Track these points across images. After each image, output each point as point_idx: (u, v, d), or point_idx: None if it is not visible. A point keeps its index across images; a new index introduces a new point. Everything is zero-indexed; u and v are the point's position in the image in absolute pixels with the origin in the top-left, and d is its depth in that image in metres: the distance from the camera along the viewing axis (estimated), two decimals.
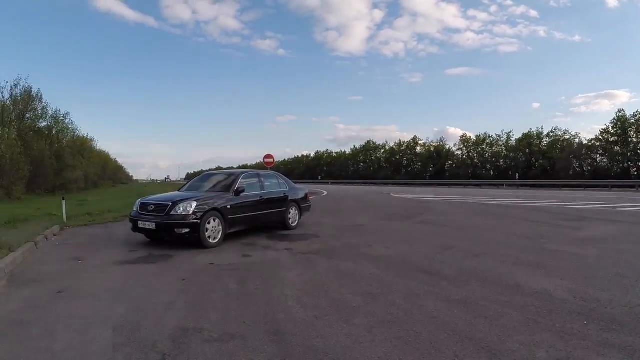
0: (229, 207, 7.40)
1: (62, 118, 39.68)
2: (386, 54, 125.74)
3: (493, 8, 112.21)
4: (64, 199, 11.38)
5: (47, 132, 37.18)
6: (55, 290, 4.60)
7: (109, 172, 66.68)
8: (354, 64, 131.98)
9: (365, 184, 53.06)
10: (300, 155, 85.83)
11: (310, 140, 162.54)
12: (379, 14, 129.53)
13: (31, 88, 32.64)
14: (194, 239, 6.90)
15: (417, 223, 10.12)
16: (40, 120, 35.68)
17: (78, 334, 3.33)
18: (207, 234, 6.95)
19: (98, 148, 58.43)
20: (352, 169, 68.31)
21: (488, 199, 19.15)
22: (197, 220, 6.79)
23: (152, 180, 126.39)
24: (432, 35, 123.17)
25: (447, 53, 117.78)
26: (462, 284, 4.40)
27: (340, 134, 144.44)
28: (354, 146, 69.75)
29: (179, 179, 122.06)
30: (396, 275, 4.83)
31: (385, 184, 50.38)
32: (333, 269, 5.24)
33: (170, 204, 7.00)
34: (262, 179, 8.75)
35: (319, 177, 66.72)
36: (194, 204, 6.91)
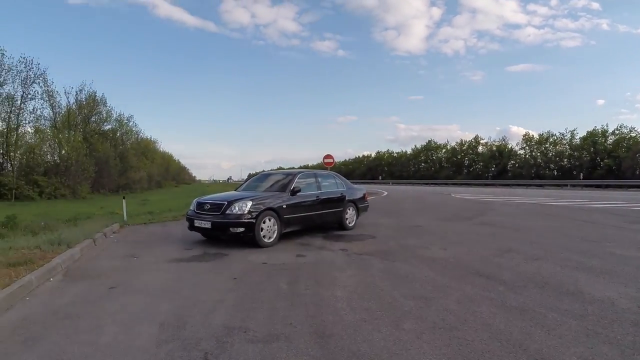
0: (284, 206, 7.77)
1: (126, 121, 44.63)
2: (446, 52, 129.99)
3: (553, 2, 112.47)
4: (124, 198, 12.32)
5: (111, 135, 41.31)
6: (108, 286, 4.98)
7: (172, 173, 72.00)
8: (413, 63, 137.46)
9: (427, 184, 55.10)
10: (361, 156, 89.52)
11: (371, 141, 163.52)
12: (437, 12, 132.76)
13: (95, 93, 36.71)
14: (248, 238, 7.29)
15: (476, 224, 10.29)
16: (105, 123, 40.15)
17: (124, 329, 3.55)
18: (262, 233, 7.32)
19: (161, 149, 63.87)
20: (413, 169, 70.81)
21: (550, 199, 19.50)
22: (252, 220, 7.19)
23: (215, 181, 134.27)
24: (492, 31, 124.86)
25: (507, 49, 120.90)
26: (520, 289, 4.42)
27: (401, 134, 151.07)
28: (415, 146, 72.52)
29: (241, 179, 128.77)
30: (451, 278, 4.93)
31: (446, 184, 52.19)
32: (387, 271, 5.38)
33: (226, 203, 7.42)
34: (319, 179, 9.15)
35: (380, 178, 69.60)
36: (249, 204, 7.31)
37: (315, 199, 8.63)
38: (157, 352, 3.07)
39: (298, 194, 8.18)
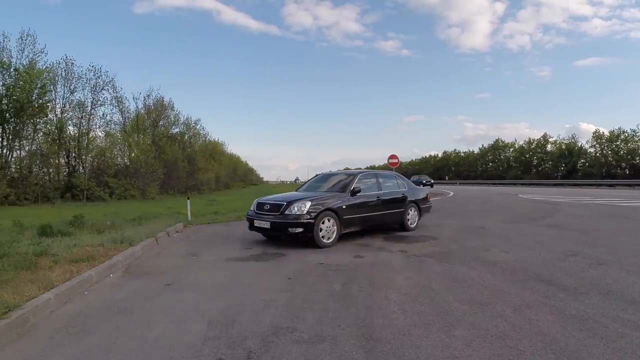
0: (344, 207, 8.08)
1: (193, 124, 48.08)
2: (511, 47, 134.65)
3: None
4: (188, 199, 13.07)
5: (179, 138, 44.28)
6: (165, 283, 5.33)
7: (240, 174, 75.59)
8: (479, 60, 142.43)
9: (494, 184, 56.59)
10: (427, 156, 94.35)
11: (438, 140, 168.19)
12: (500, 7, 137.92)
13: (163, 98, 40.17)
14: (307, 239, 7.65)
15: (542, 226, 10.31)
16: (173, 127, 43.39)
17: (174, 325, 3.78)
18: (321, 233, 7.66)
19: (229, 151, 67.44)
20: (480, 168, 72.62)
21: (622, 200, 19.53)
22: (310, 220, 7.52)
23: (282, 182, 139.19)
24: (558, 25, 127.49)
25: (575, 43, 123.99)
26: (581, 296, 4.39)
27: (468, 133, 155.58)
28: (482, 145, 76.58)
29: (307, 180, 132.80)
30: (510, 283, 4.97)
31: (514, 184, 53.47)
32: (445, 274, 5.48)
33: (285, 203, 7.82)
34: (380, 180, 9.49)
35: (446, 178, 72.06)
36: (308, 204, 7.65)
37: (376, 199, 8.91)
38: (203, 348, 3.23)
39: (358, 194, 8.47)
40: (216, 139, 58.74)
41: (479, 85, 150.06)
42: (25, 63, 24.29)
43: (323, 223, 7.66)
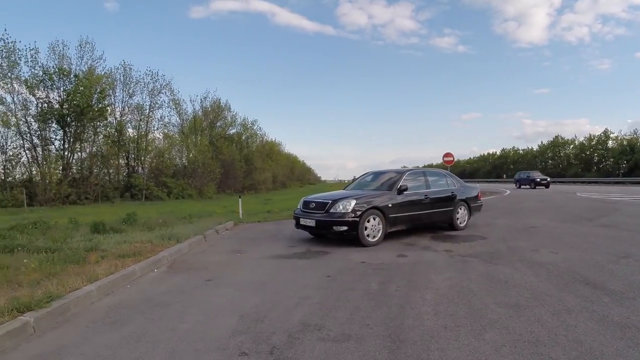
0: (390, 205, 8.22)
1: (250, 125, 49.73)
2: (570, 40, 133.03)
3: None
4: (240, 198, 13.51)
5: (236, 138, 45.82)
6: (205, 278, 5.56)
7: (297, 174, 76.92)
8: (537, 54, 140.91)
9: (553, 182, 55.36)
10: (485, 154, 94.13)
11: (496, 138, 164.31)
12: None
13: (219, 99, 41.83)
14: (352, 237, 7.81)
15: (597, 226, 10.06)
16: (230, 128, 45.04)
17: (205, 318, 3.95)
18: (366, 232, 7.78)
19: (285, 151, 68.91)
20: (539, 166, 71.41)
21: None
22: (355, 219, 7.66)
23: (340, 181, 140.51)
24: (618, 15, 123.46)
25: (636, 34, 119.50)
26: (627, 302, 4.18)
27: (527, 130, 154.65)
28: (542, 142, 75.27)
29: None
30: (554, 285, 4.84)
31: (574, 182, 53.41)
32: (487, 275, 5.42)
33: (330, 202, 8.00)
34: (428, 178, 9.61)
35: (504, 176, 72.85)
36: (353, 202, 7.79)
37: (423, 197, 8.98)
38: (228, 342, 3.34)
39: (405, 192, 8.58)
40: (273, 139, 60.39)
41: (538, 81, 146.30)
42: (84, 69, 26.25)
43: (368, 222, 7.78)
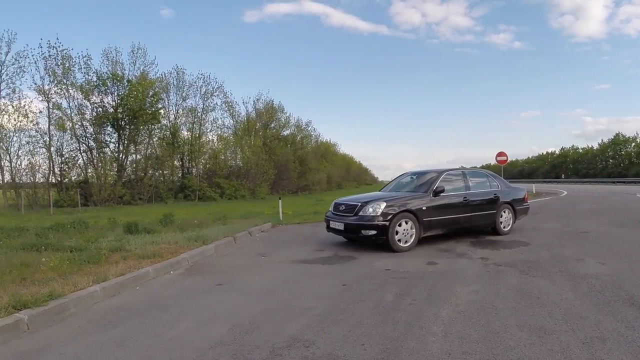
0: (424, 208, 7.85)
1: (304, 126, 49.89)
2: (629, 33, 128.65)
3: None
4: (280, 199, 13.50)
5: (291, 139, 46.27)
6: (216, 283, 5.48)
7: (353, 174, 76.69)
8: (595, 48, 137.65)
9: (613, 182, 54.46)
10: (544, 153, 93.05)
11: (556, 136, 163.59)
12: None
13: (272, 101, 42.32)
14: (382, 242, 7.51)
15: None
16: (284, 129, 45.58)
17: (197, 326, 3.85)
18: (397, 237, 7.47)
19: (341, 152, 69.10)
20: (600, 165, 70.78)
21: None
22: (385, 222, 7.37)
23: None
24: None
25: None
26: None
27: (587, 128, 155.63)
28: (602, 140, 73.11)
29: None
30: (593, 305, 4.29)
31: (636, 182, 50.33)
32: (519, 289, 4.96)
33: (359, 204, 7.79)
34: (469, 178, 9.14)
35: (562, 176, 72.39)
36: (383, 205, 7.51)
37: (462, 200, 8.58)
38: (206, 354, 3.21)
39: (441, 194, 8.19)
40: (328, 140, 60.58)
41: (597, 76, 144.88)
42: (137, 74, 27.43)
43: (400, 225, 7.46)
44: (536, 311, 4.08)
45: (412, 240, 7.57)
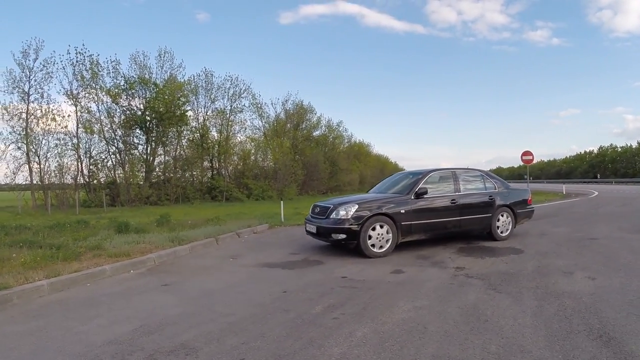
0: (402, 211, 7.56)
1: (336, 126, 50.04)
2: None
3: None
4: (282, 200, 13.62)
5: (323, 140, 46.48)
6: (164, 283, 5.68)
7: (387, 174, 75.53)
8: (635, 44, 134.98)
9: None
10: (582, 152, 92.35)
11: (596, 135, 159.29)
12: None
13: (302, 102, 42.89)
14: (353, 246, 7.35)
15: None
16: (315, 130, 45.91)
17: (108, 323, 4.09)
18: (370, 241, 7.24)
19: (375, 152, 69.55)
20: (639, 165, 69.63)
21: None
22: (355, 226, 7.18)
23: None
24: None
25: None
26: None
27: (628, 126, 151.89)
28: None
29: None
30: (548, 335, 3.56)
31: None
32: (471, 307, 4.44)
33: (331, 207, 7.64)
34: (459, 179, 8.71)
35: (597, 176, 70.87)
36: (354, 208, 7.32)
37: (449, 203, 8.19)
38: (93, 350, 3.41)
39: (424, 196, 7.87)
40: (361, 140, 60.48)
41: (638, 72, 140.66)
42: (164, 78, 28.39)
43: (373, 230, 7.22)
44: (471, 339, 3.51)
45: (387, 245, 7.33)
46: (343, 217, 7.24)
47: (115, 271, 6.14)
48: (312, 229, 7.78)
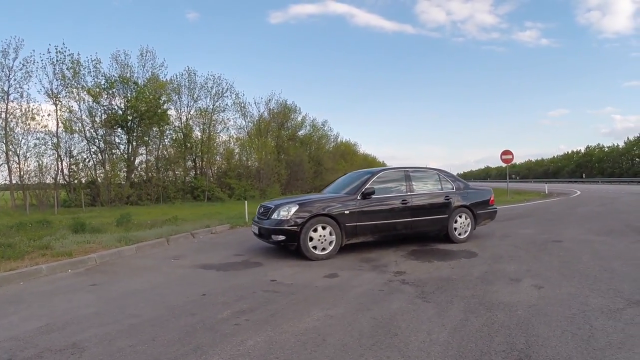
0: (346, 212, 7.37)
1: (321, 126, 50.32)
2: None
3: None
4: (245, 199, 13.82)
5: (307, 140, 46.67)
6: (93, 283, 5.88)
7: None
8: (623, 45, 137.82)
9: (638, 182, 53.19)
10: (569, 152, 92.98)
11: (585, 135, 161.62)
12: None
13: (286, 101, 42.89)
14: (294, 248, 7.21)
15: (638, 242, 8.26)
16: (300, 129, 46.18)
17: (19, 321, 4.30)
18: (311, 243, 7.09)
19: (362, 152, 69.81)
20: (625, 165, 69.44)
21: None
22: (294, 227, 7.03)
23: None
24: None
25: None
26: None
27: (617, 126, 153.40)
28: (627, 138, 72.45)
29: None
30: (459, 356, 3.23)
31: None
32: (388, 318, 4.13)
33: (273, 207, 7.51)
34: (412, 179, 8.42)
35: (583, 175, 71.94)
36: (294, 209, 7.16)
37: (400, 203, 7.95)
38: None
39: (372, 196, 7.64)
40: (348, 140, 60.96)
41: (627, 73, 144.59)
42: (147, 77, 28.67)
43: (315, 231, 7.07)
44: (367, 355, 3.25)
45: (331, 247, 7.17)
46: (283, 218, 7.10)
47: (52, 270, 6.34)
48: (256, 230, 7.77)
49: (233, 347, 3.47)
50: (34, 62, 24.19)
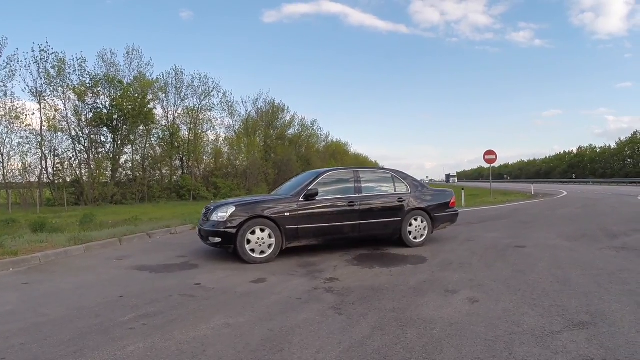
0: (287, 215, 7.19)
1: (310, 125, 51.62)
2: None
3: None
4: (215, 198, 14.08)
5: (296, 139, 46.95)
6: (24, 282, 6.16)
7: None
8: (617, 46, 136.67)
9: (632, 183, 53.57)
10: (562, 152, 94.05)
11: (578, 135, 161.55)
12: None
13: (274, 100, 43.96)
14: (231, 251, 7.08)
15: (609, 249, 7.85)
16: (288, 129, 47.04)
17: None
18: (248, 246, 6.94)
19: (353, 151, 72.15)
20: (617, 165, 69.95)
21: None
22: (230, 229, 6.89)
23: (430, 180, 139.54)
24: None
25: None
26: None
27: (610, 127, 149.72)
28: (619, 139, 72.88)
29: (441, 180, 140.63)
30: None
31: None
32: (281, 332, 3.91)
33: (212, 208, 7.37)
34: (361, 180, 8.10)
35: (573, 176, 72.52)
36: (231, 210, 7.02)
37: (346, 205, 7.66)
38: None
39: (316, 198, 7.41)
40: (338, 139, 61.41)
41: (620, 74, 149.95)
42: (133, 76, 29.15)
43: (253, 233, 6.91)
44: None
45: (270, 251, 7.01)
46: (220, 220, 6.93)
47: None
48: (197, 231, 7.86)
49: (112, 351, 3.47)
50: (18, 60, 24.62)
